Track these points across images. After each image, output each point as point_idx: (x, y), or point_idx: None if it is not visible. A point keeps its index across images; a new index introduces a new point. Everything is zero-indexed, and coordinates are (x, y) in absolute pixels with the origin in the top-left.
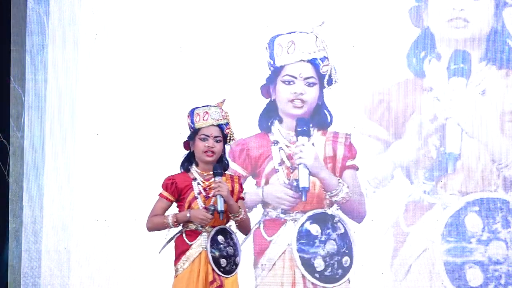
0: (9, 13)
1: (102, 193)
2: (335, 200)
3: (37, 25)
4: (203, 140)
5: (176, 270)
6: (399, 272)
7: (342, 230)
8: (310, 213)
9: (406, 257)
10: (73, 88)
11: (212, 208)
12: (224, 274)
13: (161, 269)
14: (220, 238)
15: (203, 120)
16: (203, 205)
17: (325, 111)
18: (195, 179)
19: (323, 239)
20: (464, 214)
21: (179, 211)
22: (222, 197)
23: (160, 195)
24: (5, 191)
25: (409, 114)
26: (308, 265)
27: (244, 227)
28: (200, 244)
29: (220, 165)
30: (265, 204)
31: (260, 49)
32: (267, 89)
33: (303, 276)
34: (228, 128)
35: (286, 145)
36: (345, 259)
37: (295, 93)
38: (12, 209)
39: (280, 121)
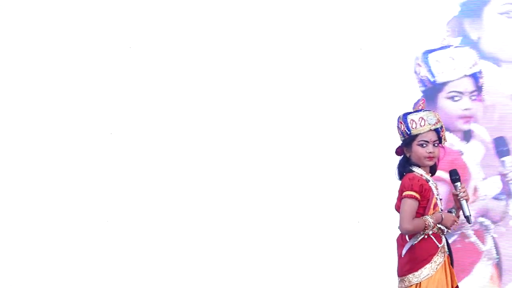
0: None
1: None
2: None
3: None
4: (423, 146)
5: (430, 272)
6: None
7: None
8: None
9: None
10: None
11: (454, 211)
12: None
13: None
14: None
15: (420, 126)
16: (442, 207)
17: None
18: (428, 181)
19: None
20: None
21: (421, 212)
22: (467, 202)
23: (412, 196)
24: None
25: None
26: None
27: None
28: (444, 247)
29: (456, 171)
30: None
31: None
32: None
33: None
34: (443, 131)
35: None
36: None
37: (465, 109)
38: None
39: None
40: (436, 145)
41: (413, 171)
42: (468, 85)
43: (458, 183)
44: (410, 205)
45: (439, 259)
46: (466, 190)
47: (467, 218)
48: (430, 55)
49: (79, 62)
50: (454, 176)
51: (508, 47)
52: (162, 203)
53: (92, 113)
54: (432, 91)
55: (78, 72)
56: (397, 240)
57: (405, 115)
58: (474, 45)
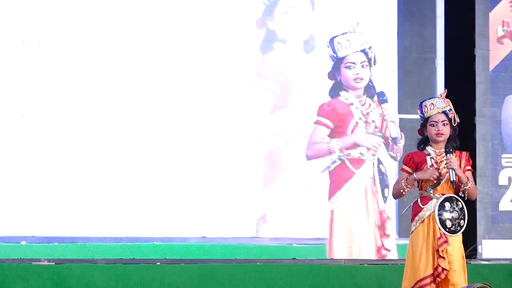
0: None
1: None
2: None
3: None
4: (433, 125)
5: (412, 227)
6: None
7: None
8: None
9: None
10: None
11: (439, 176)
12: (450, 233)
13: None
14: (447, 204)
15: (430, 109)
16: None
17: (370, 83)
18: (429, 155)
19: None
20: None
21: None
22: (454, 170)
23: (402, 169)
24: None
25: None
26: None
27: (471, 195)
28: (430, 208)
29: (450, 145)
30: None
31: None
32: (333, 73)
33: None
34: (452, 113)
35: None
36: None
37: (357, 74)
38: None
39: (347, 90)
40: (445, 124)
41: (425, 148)
42: (359, 57)
43: (449, 155)
44: (399, 176)
45: (420, 217)
46: (451, 160)
47: (452, 182)
48: (335, 39)
49: None
50: (447, 149)
51: (291, 34)
52: (68, 177)
53: (3, 95)
54: (337, 64)
55: None
56: None
57: (421, 103)
58: (272, 32)
